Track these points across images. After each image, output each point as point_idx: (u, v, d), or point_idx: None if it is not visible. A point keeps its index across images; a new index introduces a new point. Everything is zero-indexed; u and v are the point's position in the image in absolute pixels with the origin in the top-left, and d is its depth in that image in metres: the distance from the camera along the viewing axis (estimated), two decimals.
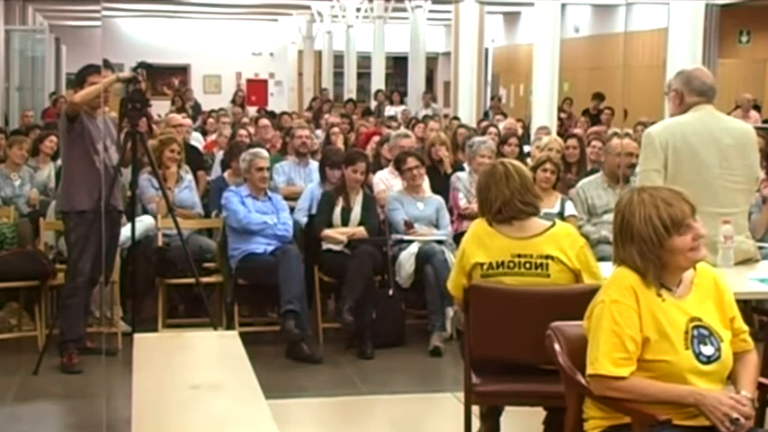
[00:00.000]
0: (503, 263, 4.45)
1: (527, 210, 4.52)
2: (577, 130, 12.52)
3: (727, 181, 5.02)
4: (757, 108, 16.07)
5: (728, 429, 3.18)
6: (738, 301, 3.58)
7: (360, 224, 7.32)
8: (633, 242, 3.37)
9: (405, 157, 7.64)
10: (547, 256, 4.43)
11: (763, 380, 3.51)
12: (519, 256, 4.44)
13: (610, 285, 3.42)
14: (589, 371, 3.35)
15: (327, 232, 7.25)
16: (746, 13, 17.89)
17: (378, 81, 22.79)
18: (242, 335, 4.76)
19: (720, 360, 3.35)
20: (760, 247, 5.63)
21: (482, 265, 4.47)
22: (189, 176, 7.95)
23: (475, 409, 4.60)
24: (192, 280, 6.89)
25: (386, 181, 8.16)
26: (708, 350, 3.33)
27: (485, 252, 4.48)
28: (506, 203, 4.49)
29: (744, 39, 19.35)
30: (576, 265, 4.44)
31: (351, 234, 7.23)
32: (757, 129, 9.71)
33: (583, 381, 3.45)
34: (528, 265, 4.43)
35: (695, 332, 3.34)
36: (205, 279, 7.11)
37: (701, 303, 3.41)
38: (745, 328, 3.48)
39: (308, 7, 25.36)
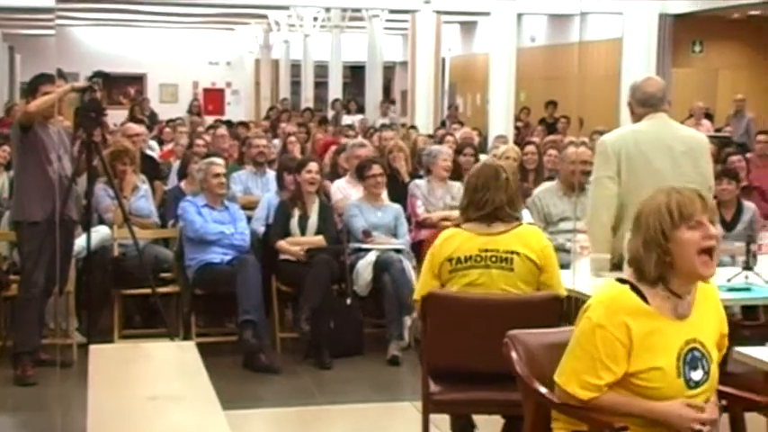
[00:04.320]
0: (470, 257, 4.54)
1: (513, 215, 4.64)
2: (534, 139, 12.58)
3: None
4: (709, 117, 16.24)
5: None
6: None
7: (317, 233, 7.31)
8: (640, 231, 3.21)
9: (369, 164, 7.65)
10: (512, 252, 4.52)
11: (718, 386, 3.53)
12: (486, 250, 4.54)
13: (606, 308, 3.23)
14: (556, 378, 3.31)
15: (283, 245, 7.23)
16: (699, 23, 18.10)
17: (335, 90, 22.80)
18: (199, 345, 4.72)
19: (707, 383, 3.27)
20: None
21: (451, 260, 4.55)
22: (145, 186, 7.89)
23: (435, 418, 4.59)
24: (148, 290, 6.84)
25: (343, 190, 8.15)
26: (697, 375, 3.25)
27: (453, 248, 4.57)
28: (498, 207, 4.58)
29: (697, 48, 19.57)
30: (541, 261, 4.53)
31: (310, 244, 7.22)
32: (709, 137, 9.83)
33: (541, 389, 3.45)
34: (494, 259, 4.52)
35: (689, 357, 3.24)
36: (162, 289, 7.07)
37: (702, 321, 3.30)
38: (726, 342, 3.41)
39: (265, 16, 25.33)
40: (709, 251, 3.17)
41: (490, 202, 4.57)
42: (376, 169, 7.58)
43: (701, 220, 3.17)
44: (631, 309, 3.21)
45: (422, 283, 4.66)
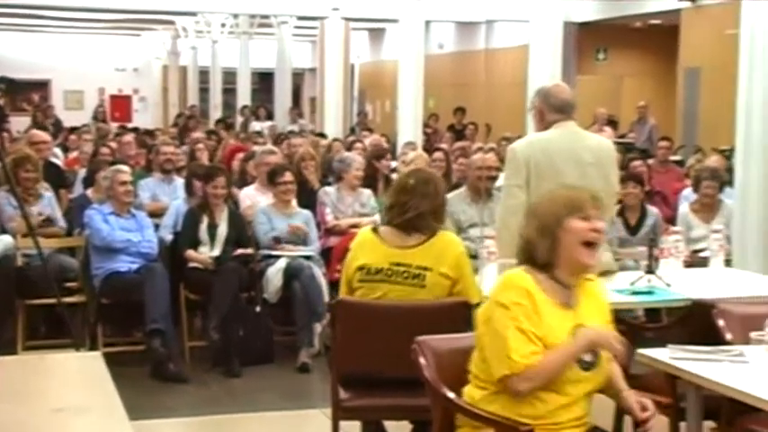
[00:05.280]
0: (381, 269, 4.49)
1: (435, 226, 4.55)
2: (443, 146, 12.69)
3: None
4: (614, 123, 16.54)
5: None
6: None
7: (227, 240, 7.26)
8: (536, 216, 3.46)
9: (282, 171, 7.62)
10: (424, 268, 4.47)
11: None
12: (397, 264, 4.49)
13: (507, 288, 3.41)
14: (504, 371, 3.32)
15: (191, 254, 7.18)
16: (603, 31, 18.46)
17: (244, 97, 22.69)
18: (106, 355, 4.65)
19: (598, 367, 3.43)
20: (617, 259, 5.80)
21: (362, 268, 4.52)
22: (49, 193, 7.77)
23: (345, 424, 4.60)
24: (53, 300, 6.72)
25: (252, 197, 8.12)
26: (588, 356, 3.40)
27: (366, 256, 4.54)
28: (420, 216, 4.52)
29: (601, 56, 19.95)
30: (454, 273, 4.49)
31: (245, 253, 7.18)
32: (613, 143, 10.01)
33: (449, 394, 3.49)
34: (405, 275, 4.48)
35: None
36: (67, 299, 6.94)
37: (586, 311, 3.47)
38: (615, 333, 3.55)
39: (173, 22, 25.10)
40: (592, 244, 3.42)
41: (413, 207, 4.51)
42: (288, 176, 7.57)
43: (590, 215, 3.43)
44: (531, 284, 3.39)
45: (341, 291, 4.65)
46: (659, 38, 17.99)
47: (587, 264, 3.44)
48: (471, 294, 4.55)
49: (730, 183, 7.96)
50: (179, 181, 8.49)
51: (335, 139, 12.71)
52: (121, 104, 29.44)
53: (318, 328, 6.98)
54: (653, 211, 7.90)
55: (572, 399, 3.38)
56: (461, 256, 4.56)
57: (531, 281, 3.40)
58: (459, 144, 12.37)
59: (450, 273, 4.48)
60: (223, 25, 23.32)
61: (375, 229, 4.66)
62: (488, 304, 3.46)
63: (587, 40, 18.12)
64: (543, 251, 3.41)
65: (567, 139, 5.17)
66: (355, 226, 7.78)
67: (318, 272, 7.16)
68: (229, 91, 24.12)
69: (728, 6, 11.30)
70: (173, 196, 8.33)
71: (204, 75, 25.02)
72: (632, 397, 3.50)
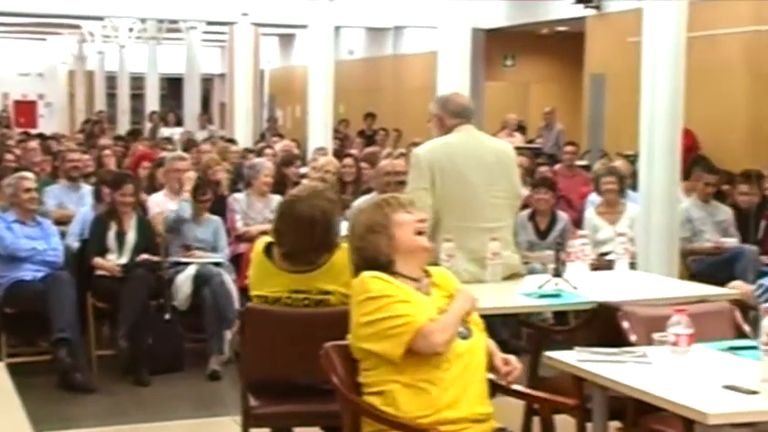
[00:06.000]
0: (279, 299, 4.41)
1: (316, 260, 4.39)
2: (353, 151, 12.71)
3: (491, 197, 5.23)
4: (522, 129, 16.74)
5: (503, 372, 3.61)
6: (507, 315, 3.74)
7: (136, 247, 7.18)
8: (363, 223, 3.64)
9: (203, 189, 7.52)
10: (326, 292, 4.39)
11: (529, 390, 3.66)
12: (296, 291, 4.39)
13: (367, 284, 3.52)
14: (406, 339, 3.41)
15: (98, 261, 7.08)
16: (510, 38, 18.67)
17: (152, 102, 22.44)
18: (10, 366, 4.55)
19: (473, 339, 3.55)
20: (525, 262, 5.88)
21: (260, 296, 4.45)
22: None
23: None
24: None
25: (161, 204, 8.03)
26: (461, 328, 3.53)
27: (262, 287, 4.46)
28: (297, 253, 4.38)
29: (508, 62, 20.18)
30: None
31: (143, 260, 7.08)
32: (522, 149, 10.14)
33: (358, 399, 3.50)
34: (306, 302, 4.39)
35: None
36: None
37: (442, 300, 3.60)
38: (479, 320, 3.68)
39: (79, 26, 24.72)
40: (421, 234, 3.68)
41: (288, 243, 4.38)
42: (209, 194, 7.53)
43: (412, 210, 3.70)
44: (386, 278, 3.54)
45: None
46: (565, 44, 18.26)
47: (426, 247, 3.68)
48: None
49: (634, 187, 8.11)
50: (86, 188, 8.37)
51: (248, 150, 12.67)
52: (26, 110, 28.92)
53: (229, 335, 6.94)
54: (563, 216, 8.02)
55: (458, 372, 3.46)
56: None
57: (385, 275, 3.54)
58: (369, 149, 12.40)
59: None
60: (131, 30, 23.05)
61: (269, 249, 4.45)
62: (355, 309, 3.54)
63: (495, 46, 18.30)
64: (384, 247, 3.59)
65: (468, 141, 5.26)
66: (265, 233, 7.74)
67: (228, 279, 7.12)
68: (137, 96, 23.84)
69: (631, 14, 11.51)
70: (79, 203, 8.20)
71: (112, 80, 24.71)
72: (498, 354, 3.66)
